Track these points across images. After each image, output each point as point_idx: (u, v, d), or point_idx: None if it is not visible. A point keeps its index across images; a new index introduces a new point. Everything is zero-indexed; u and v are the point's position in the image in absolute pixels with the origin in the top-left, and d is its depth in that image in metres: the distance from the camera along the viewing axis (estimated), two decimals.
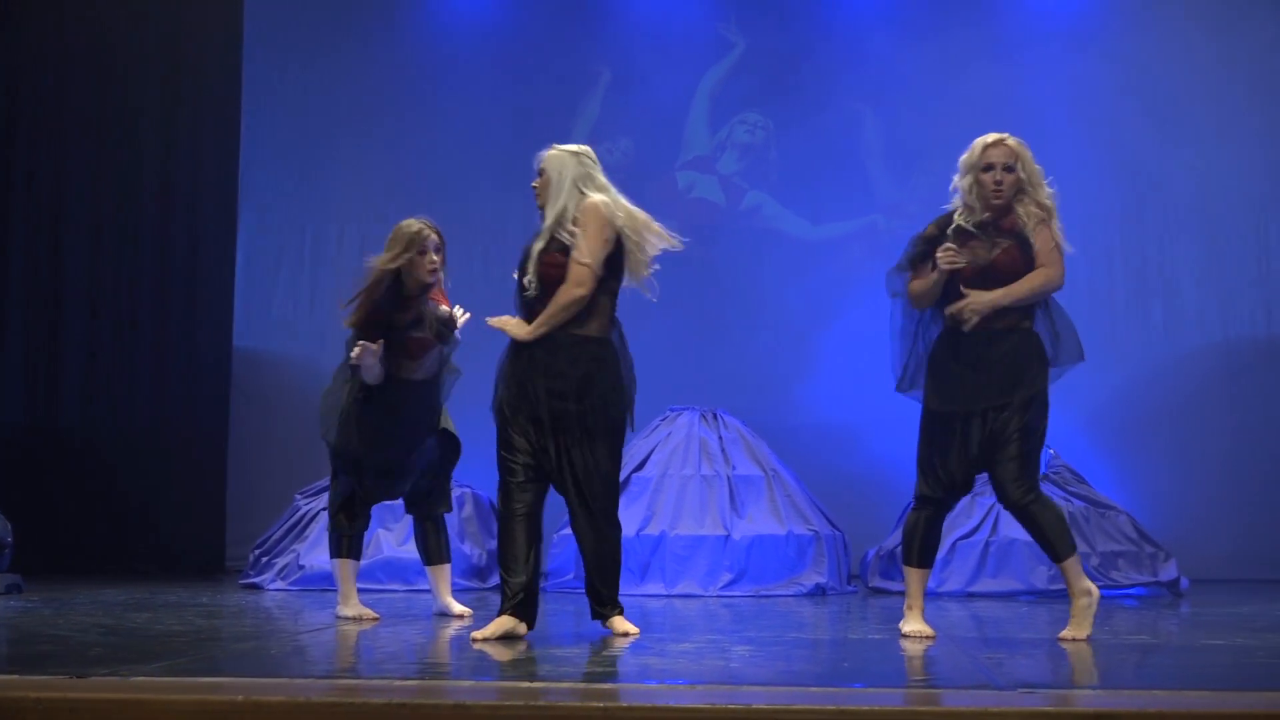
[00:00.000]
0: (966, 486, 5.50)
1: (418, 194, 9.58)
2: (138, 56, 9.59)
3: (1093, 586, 5.41)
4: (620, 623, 5.46)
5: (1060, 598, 7.85)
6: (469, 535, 8.30)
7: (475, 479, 8.33)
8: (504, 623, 5.19)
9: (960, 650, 5.07)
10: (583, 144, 5.59)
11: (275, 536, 8.31)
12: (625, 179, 10.13)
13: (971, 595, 7.96)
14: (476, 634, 5.18)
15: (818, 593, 7.92)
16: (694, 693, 3.95)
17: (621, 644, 5.14)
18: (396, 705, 3.70)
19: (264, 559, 8.24)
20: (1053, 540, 5.34)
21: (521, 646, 5.05)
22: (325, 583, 7.98)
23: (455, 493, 7.71)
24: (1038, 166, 5.51)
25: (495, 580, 8.26)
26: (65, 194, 9.51)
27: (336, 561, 6.30)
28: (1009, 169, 5.46)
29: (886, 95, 10.02)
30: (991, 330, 5.38)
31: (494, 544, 8.35)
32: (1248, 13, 9.74)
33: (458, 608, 6.44)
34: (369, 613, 6.19)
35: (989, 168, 5.46)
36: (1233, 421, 9.63)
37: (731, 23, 10.23)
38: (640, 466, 8.29)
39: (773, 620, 6.35)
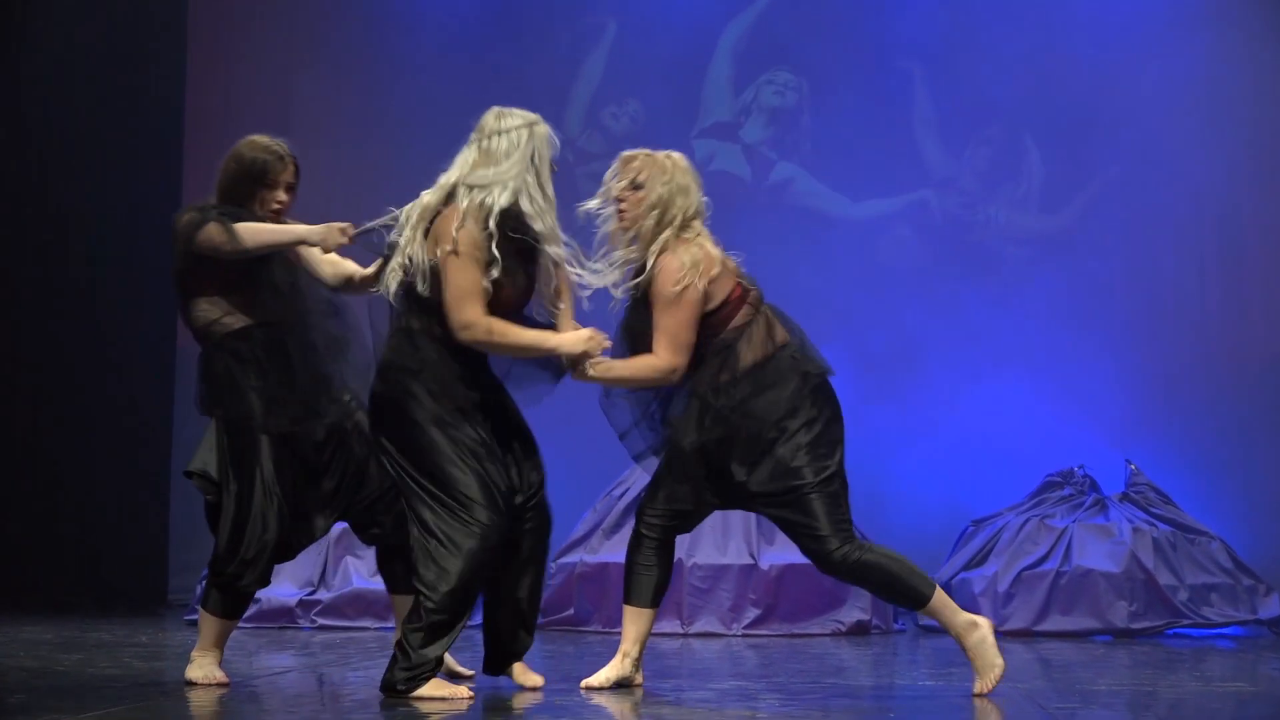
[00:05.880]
0: None
1: (391, 169, 9.56)
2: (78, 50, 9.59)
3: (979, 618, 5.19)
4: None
5: (1147, 639, 7.84)
6: None
7: None
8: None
9: (1026, 699, 5.06)
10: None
11: None
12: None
13: (1038, 634, 7.95)
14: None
15: (859, 631, 7.91)
16: None
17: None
18: None
19: None
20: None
21: (521, 693, 5.04)
22: (283, 619, 7.98)
23: None
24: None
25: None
26: None
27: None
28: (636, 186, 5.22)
29: (939, 52, 9.99)
30: None
31: None
32: None
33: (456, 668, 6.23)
34: (220, 675, 5.28)
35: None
36: None
37: None
38: None
39: (807, 664, 6.34)
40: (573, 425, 9.23)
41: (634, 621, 5.20)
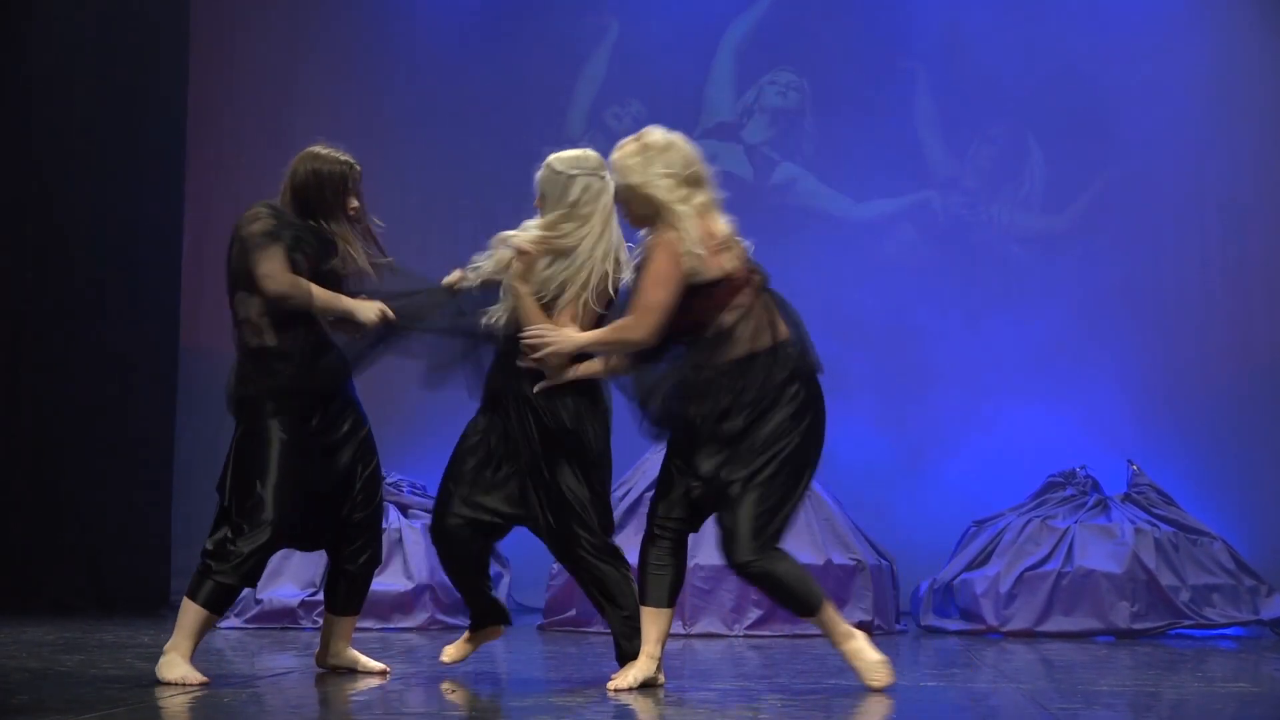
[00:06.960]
0: None
1: (393, 171, 9.58)
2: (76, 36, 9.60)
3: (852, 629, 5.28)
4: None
5: (1149, 639, 7.84)
6: None
7: None
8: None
9: (1028, 700, 5.06)
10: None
11: None
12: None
13: (1040, 635, 7.95)
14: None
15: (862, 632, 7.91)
16: None
17: (629, 694, 5.13)
18: None
19: None
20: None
21: (520, 695, 5.05)
22: (285, 620, 7.99)
23: None
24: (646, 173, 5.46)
25: None
26: None
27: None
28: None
29: (942, 52, 10.00)
30: None
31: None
32: None
33: (368, 662, 5.88)
34: (197, 675, 5.25)
35: None
36: None
37: None
38: (652, 485, 8.27)
39: (808, 665, 6.35)
40: None
41: (654, 622, 5.19)
